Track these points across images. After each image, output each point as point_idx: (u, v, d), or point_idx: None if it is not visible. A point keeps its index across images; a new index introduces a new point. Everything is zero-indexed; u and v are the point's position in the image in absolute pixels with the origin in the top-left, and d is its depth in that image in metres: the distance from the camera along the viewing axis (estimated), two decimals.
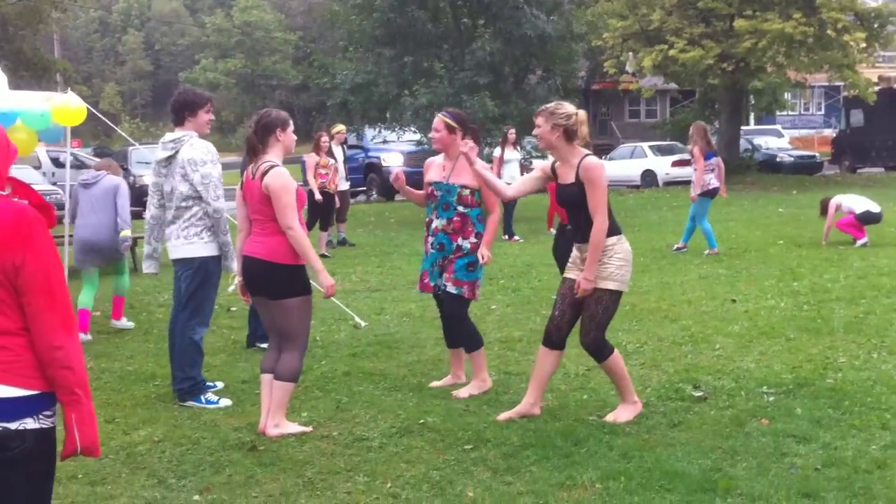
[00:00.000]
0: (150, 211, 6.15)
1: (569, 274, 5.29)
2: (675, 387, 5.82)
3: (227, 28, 64.77)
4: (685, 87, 36.38)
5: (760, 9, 25.07)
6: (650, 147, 28.44)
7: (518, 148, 15.52)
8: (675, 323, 7.73)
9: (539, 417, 5.29)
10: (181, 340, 5.88)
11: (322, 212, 12.99)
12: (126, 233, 8.18)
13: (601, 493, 4.16)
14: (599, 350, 5.22)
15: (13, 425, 2.53)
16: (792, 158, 30.16)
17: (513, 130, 15.13)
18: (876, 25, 25.92)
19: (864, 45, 26.03)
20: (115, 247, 8.14)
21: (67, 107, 8.09)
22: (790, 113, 49.31)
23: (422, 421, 5.29)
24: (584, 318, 5.19)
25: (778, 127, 38.36)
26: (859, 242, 11.74)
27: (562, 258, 6.59)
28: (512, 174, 14.93)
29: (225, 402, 5.86)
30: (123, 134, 13.83)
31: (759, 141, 31.73)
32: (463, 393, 5.82)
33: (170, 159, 5.85)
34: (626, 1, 27.14)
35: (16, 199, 2.62)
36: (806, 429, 4.88)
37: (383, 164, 23.71)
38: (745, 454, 4.56)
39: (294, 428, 5.19)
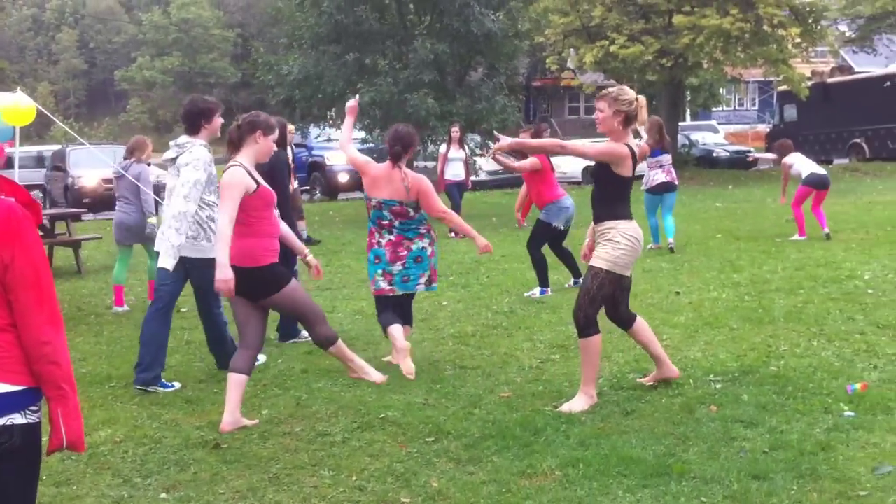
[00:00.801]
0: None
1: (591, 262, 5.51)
2: (626, 376, 6.00)
3: (164, 25, 63.85)
4: (624, 83, 36.93)
5: (699, 5, 25.55)
6: (591, 143, 28.78)
7: (463, 146, 15.52)
8: None
9: (496, 409, 5.43)
10: (215, 325, 6.47)
11: None
12: (152, 220, 8.76)
13: (561, 479, 4.30)
14: (587, 325, 5.41)
15: (1, 421, 2.57)
16: (728, 154, 30.82)
17: (456, 128, 15.16)
18: (811, 20, 26.59)
19: (798, 40, 26.69)
20: (142, 228, 8.79)
21: (17, 107, 8.03)
22: (725, 108, 50.36)
23: (382, 415, 5.39)
24: (581, 291, 5.44)
25: (713, 122, 39.13)
26: (796, 237, 12.12)
27: None
28: (455, 172, 15.08)
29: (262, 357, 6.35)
30: (72, 133, 13.64)
31: (696, 136, 32.36)
32: None
33: (173, 161, 6.17)
34: None
35: (2, 197, 2.65)
36: (753, 414, 5.09)
37: (327, 162, 23.64)
38: (696, 439, 4.75)
39: (245, 421, 5.29)
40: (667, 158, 11.90)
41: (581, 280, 9.12)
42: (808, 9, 26.64)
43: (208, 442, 5.06)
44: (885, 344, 6.52)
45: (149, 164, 9.10)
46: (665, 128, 12.11)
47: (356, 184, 23.47)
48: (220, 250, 4.98)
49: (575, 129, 41.78)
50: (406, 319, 6.62)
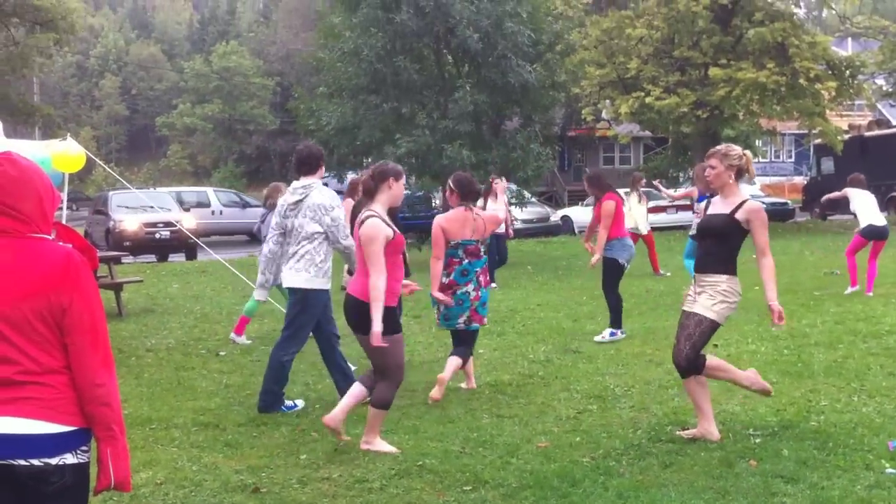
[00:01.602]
0: (269, 246, 7.51)
1: (687, 307, 5.72)
2: (665, 429, 5.98)
3: (205, 73, 65.06)
4: (659, 134, 37.02)
5: (735, 58, 25.69)
6: (625, 193, 28.78)
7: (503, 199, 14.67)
8: (661, 367, 7.90)
9: (534, 459, 5.43)
10: (274, 359, 6.82)
11: None
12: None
13: None
14: (690, 368, 5.63)
15: (54, 460, 2.65)
16: (764, 205, 30.56)
17: (499, 180, 14.38)
18: (847, 74, 26.58)
19: (835, 94, 26.66)
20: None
21: (67, 153, 8.26)
22: (762, 160, 50.17)
23: (420, 463, 5.41)
24: (681, 337, 5.64)
25: None
26: (849, 290, 11.94)
27: None
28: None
29: (300, 402, 6.94)
30: (116, 175, 13.93)
31: None
32: None
33: (299, 203, 6.76)
34: (604, 50, 27.74)
35: (60, 243, 2.76)
36: (793, 469, 5.05)
37: None
38: (735, 494, 4.72)
39: (384, 447, 5.66)
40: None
41: (617, 332, 9.16)
42: (844, 63, 26.64)
43: (248, 486, 5.10)
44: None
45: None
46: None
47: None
48: (377, 310, 5.39)
49: (610, 179, 41.69)
50: (464, 353, 7.20)
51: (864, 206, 12.01)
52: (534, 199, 25.59)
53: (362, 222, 5.54)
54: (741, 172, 5.71)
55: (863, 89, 28.49)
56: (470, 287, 7.00)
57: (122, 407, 3.56)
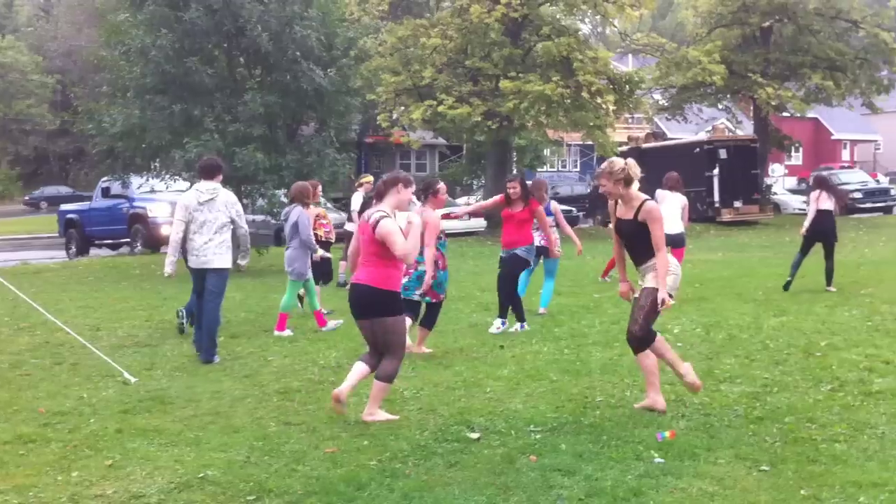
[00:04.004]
0: (180, 235, 8.71)
1: (644, 284, 6.41)
2: (451, 429, 6.07)
3: None
4: (454, 142, 37.89)
5: (524, 70, 26.64)
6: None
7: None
8: (449, 369, 8.04)
9: (321, 465, 5.37)
10: (211, 318, 8.76)
11: (324, 266, 11.96)
12: (317, 255, 10.87)
13: None
14: (644, 340, 6.30)
15: None
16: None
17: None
18: (627, 89, 28.16)
19: (614, 107, 28.18)
20: (304, 265, 10.45)
21: None
22: (549, 169, 52.43)
23: (201, 475, 5.22)
24: (635, 309, 6.31)
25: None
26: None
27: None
28: None
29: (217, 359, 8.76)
30: None
31: None
32: None
33: (210, 201, 8.69)
34: (400, 57, 28.05)
35: None
36: (570, 462, 5.25)
37: (150, 214, 22.88)
38: (516, 489, 4.85)
39: (385, 416, 6.31)
40: (550, 220, 11.15)
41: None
42: (624, 78, 28.22)
43: None
44: (692, 394, 6.88)
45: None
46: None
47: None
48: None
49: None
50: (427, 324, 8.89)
51: (665, 214, 12.56)
52: (329, 206, 25.46)
53: (377, 222, 6.21)
54: (629, 180, 6.31)
55: (641, 103, 30.32)
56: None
57: None
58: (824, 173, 17.72)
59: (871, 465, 5.15)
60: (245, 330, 10.66)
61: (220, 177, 8.96)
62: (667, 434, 5.72)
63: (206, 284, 8.81)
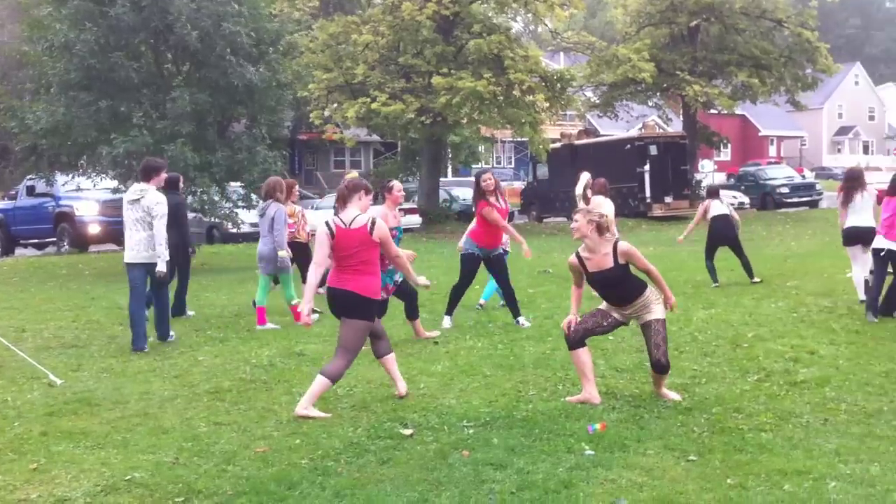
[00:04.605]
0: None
1: (607, 310, 6.68)
2: (384, 426, 6.05)
3: None
4: (388, 139, 37.81)
5: (456, 67, 26.69)
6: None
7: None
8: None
9: (251, 465, 5.31)
10: (164, 304, 9.76)
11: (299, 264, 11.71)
12: (283, 253, 10.53)
13: None
14: (668, 366, 6.51)
15: None
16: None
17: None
18: (558, 87, 28.41)
19: (546, 104, 28.40)
20: (273, 261, 10.51)
21: None
22: (484, 165, 52.63)
23: (128, 477, 5.12)
24: (660, 342, 6.47)
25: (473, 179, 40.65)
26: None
27: None
28: None
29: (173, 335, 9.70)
30: None
31: (458, 192, 33.52)
32: None
33: (137, 201, 9.21)
34: (332, 54, 27.86)
35: None
36: (502, 456, 5.28)
37: (76, 213, 22.39)
38: (448, 484, 4.85)
39: (316, 413, 6.33)
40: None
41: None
42: (555, 76, 28.45)
43: None
44: (622, 386, 6.98)
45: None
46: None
47: (107, 235, 22.36)
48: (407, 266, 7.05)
49: (340, 182, 41.91)
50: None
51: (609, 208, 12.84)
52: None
53: (373, 222, 6.43)
54: (601, 229, 6.48)
55: (573, 100, 30.60)
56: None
57: None
58: (716, 184, 18.16)
59: (796, 453, 5.27)
60: (176, 329, 10.47)
61: (158, 178, 9.40)
62: (598, 426, 5.77)
63: (141, 277, 9.43)
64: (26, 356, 8.33)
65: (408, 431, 5.88)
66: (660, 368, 6.50)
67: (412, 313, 9.59)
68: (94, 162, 17.85)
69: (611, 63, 30.87)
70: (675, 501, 4.55)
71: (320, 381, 6.39)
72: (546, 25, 33.31)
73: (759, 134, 70.95)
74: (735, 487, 4.73)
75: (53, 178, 20.25)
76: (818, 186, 37.51)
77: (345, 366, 6.48)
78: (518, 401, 6.61)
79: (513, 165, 56.65)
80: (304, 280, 10.72)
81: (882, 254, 9.71)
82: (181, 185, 12.05)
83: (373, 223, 6.44)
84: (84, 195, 22.04)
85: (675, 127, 41.34)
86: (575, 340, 6.58)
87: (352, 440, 5.74)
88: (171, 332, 9.72)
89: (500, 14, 30.81)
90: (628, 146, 31.15)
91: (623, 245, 6.52)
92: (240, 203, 18.77)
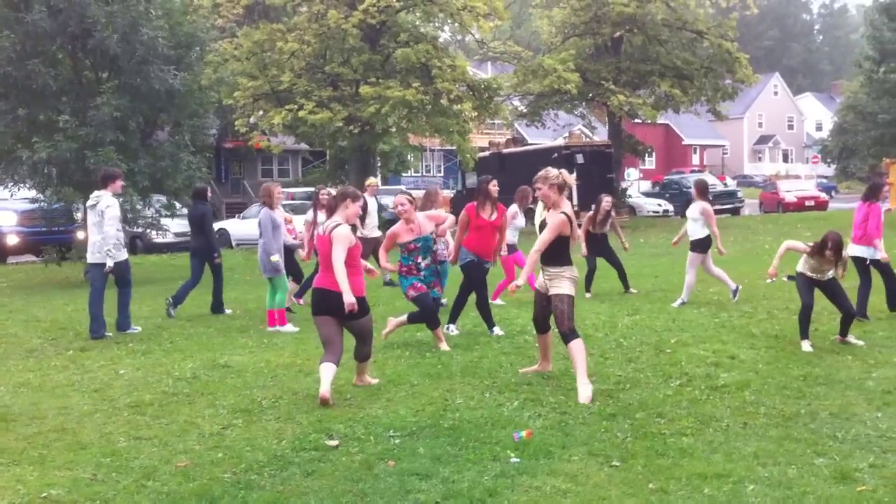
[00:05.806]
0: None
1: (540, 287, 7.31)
2: (310, 437, 5.99)
3: None
4: (317, 147, 37.52)
5: (384, 76, 26.64)
6: (284, 207, 28.80)
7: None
8: (309, 377, 7.92)
9: (172, 480, 5.20)
10: (126, 299, 10.80)
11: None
12: (275, 258, 10.71)
13: None
14: (572, 334, 6.99)
15: None
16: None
17: (326, 191, 13.11)
18: (486, 96, 28.56)
19: (474, 113, 28.54)
20: (267, 264, 10.77)
21: None
22: (414, 174, 52.67)
23: (44, 494, 4.98)
24: (558, 314, 7.02)
25: (402, 187, 40.69)
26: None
27: None
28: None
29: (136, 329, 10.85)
30: None
31: (386, 200, 33.43)
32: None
33: (94, 206, 10.23)
34: (257, 62, 27.56)
35: None
36: (428, 466, 5.27)
37: None
38: (373, 495, 4.82)
39: (371, 380, 7.52)
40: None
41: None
42: (483, 85, 28.61)
43: None
44: (549, 393, 7.03)
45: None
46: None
47: (25, 246, 21.77)
48: (346, 282, 6.80)
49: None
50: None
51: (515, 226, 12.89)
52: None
53: (333, 229, 6.88)
54: (562, 187, 7.05)
55: (501, 109, 30.80)
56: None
57: None
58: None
59: (716, 457, 5.38)
60: (95, 343, 10.24)
61: (114, 185, 10.39)
62: (523, 434, 5.80)
63: (100, 276, 10.46)
64: None
65: (333, 443, 5.83)
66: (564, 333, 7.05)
67: (432, 322, 9.32)
68: (12, 171, 17.35)
69: (537, 73, 31.13)
70: None
71: (360, 366, 7.44)
72: (472, 35, 33.50)
73: (683, 143, 72.41)
74: (657, 492, 4.80)
75: None
76: (739, 194, 38.44)
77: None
78: (445, 409, 6.61)
79: (442, 174, 56.76)
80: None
81: (867, 262, 10.26)
82: (209, 195, 12.99)
83: (334, 228, 6.92)
84: (1, 205, 21.43)
85: (601, 136, 41.94)
86: (570, 332, 7.07)
87: (276, 452, 5.67)
88: (135, 326, 10.86)
89: (427, 23, 30.89)
90: (555, 155, 31.42)
91: (560, 215, 7.02)
92: (163, 211, 18.43)
